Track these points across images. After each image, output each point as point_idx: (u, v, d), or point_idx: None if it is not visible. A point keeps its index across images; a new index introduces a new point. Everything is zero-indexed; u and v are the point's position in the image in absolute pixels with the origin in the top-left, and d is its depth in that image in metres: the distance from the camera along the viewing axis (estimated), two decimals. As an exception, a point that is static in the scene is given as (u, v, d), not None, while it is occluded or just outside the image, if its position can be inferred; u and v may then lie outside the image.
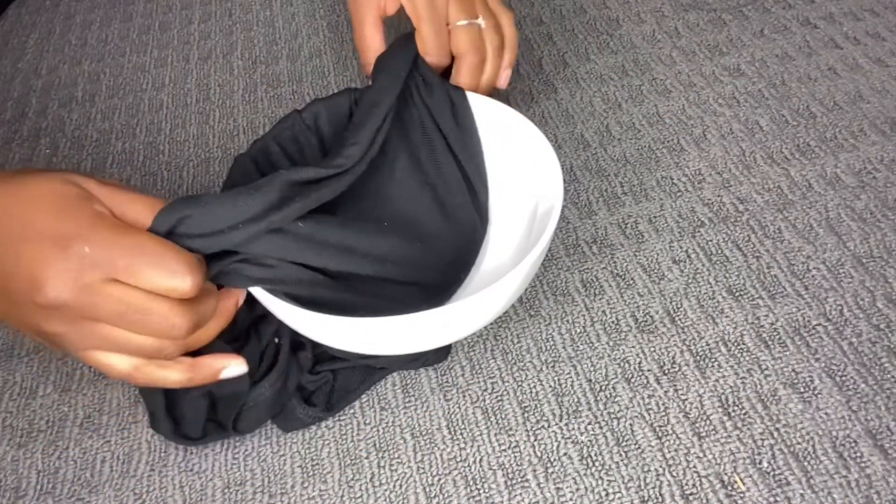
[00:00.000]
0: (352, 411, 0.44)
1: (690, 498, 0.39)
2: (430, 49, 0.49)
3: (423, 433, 0.43)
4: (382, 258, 0.43)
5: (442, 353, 0.45)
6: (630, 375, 0.44)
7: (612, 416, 0.42)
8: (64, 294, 0.33)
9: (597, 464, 0.40)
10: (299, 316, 0.39)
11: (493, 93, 0.53)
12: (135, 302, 0.34)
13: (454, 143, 0.48)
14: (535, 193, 0.46)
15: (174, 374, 0.38)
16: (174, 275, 0.34)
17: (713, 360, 0.44)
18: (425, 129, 0.48)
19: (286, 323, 0.41)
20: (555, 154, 0.45)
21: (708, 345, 0.45)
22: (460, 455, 0.41)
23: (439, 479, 0.41)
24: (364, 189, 0.47)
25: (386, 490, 0.40)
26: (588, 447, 0.41)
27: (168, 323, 0.35)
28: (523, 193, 0.48)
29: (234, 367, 0.40)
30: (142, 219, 0.36)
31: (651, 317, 0.46)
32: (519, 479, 0.40)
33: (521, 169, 0.48)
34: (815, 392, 0.42)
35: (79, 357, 0.37)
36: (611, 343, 0.45)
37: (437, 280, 0.46)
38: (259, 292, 0.39)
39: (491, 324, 0.47)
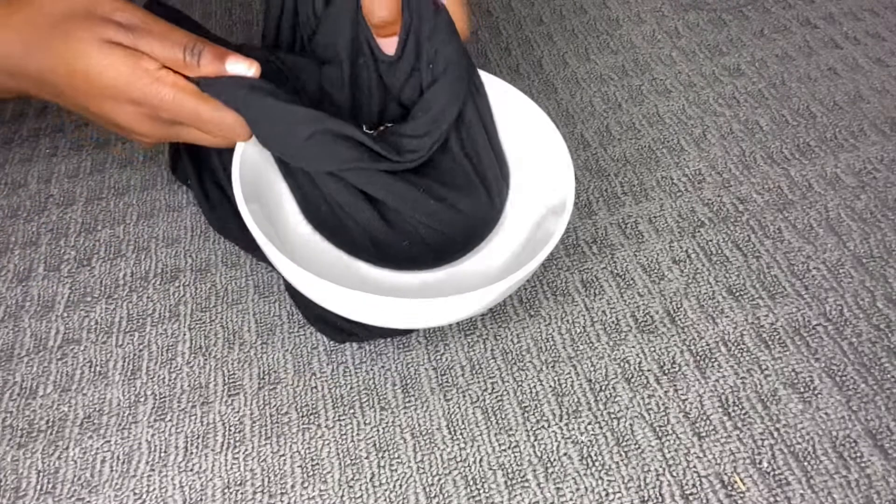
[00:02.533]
0: (352, 411, 0.44)
1: (690, 498, 0.39)
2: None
3: (423, 433, 0.43)
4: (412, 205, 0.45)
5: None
6: (630, 375, 0.44)
7: (612, 416, 0.42)
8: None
9: (597, 464, 0.40)
10: (291, 270, 0.40)
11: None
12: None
13: (487, 119, 0.48)
14: (546, 192, 0.47)
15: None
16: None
17: (713, 360, 0.44)
18: (483, 126, 0.48)
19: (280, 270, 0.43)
20: (570, 161, 0.45)
21: (708, 345, 0.45)
22: (460, 455, 0.41)
23: (439, 479, 0.41)
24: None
25: (386, 490, 0.40)
26: (588, 447, 0.41)
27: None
28: (534, 189, 0.48)
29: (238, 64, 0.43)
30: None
31: (651, 317, 0.46)
32: (519, 479, 0.40)
33: (534, 162, 0.48)
34: (815, 392, 0.42)
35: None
36: (611, 343, 0.45)
37: (449, 245, 0.47)
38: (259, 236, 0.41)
39: (491, 324, 0.47)
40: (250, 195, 0.43)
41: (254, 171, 0.46)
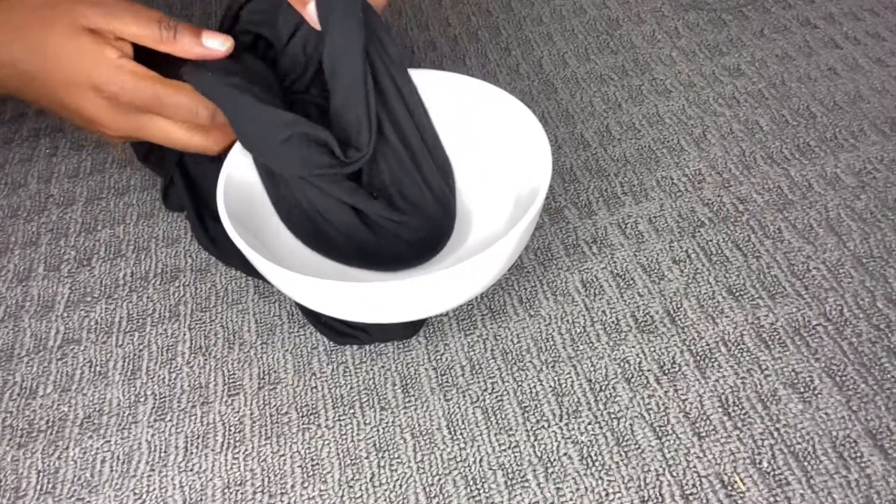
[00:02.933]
0: (352, 411, 0.44)
1: (690, 498, 0.39)
2: None
3: (423, 433, 0.43)
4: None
5: (409, 330, 0.46)
6: (630, 375, 0.44)
7: (612, 416, 0.42)
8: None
9: (597, 464, 0.40)
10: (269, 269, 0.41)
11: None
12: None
13: (418, 111, 0.48)
14: (522, 173, 0.48)
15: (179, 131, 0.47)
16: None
17: (713, 360, 0.44)
18: (401, 96, 0.47)
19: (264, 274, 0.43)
20: (545, 137, 0.45)
21: (708, 345, 0.45)
22: (460, 455, 0.41)
23: (439, 479, 0.41)
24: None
25: (386, 490, 0.40)
26: (588, 447, 0.41)
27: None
28: (510, 172, 0.49)
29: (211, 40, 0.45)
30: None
31: (651, 317, 0.46)
32: (519, 479, 0.40)
33: (508, 146, 0.49)
34: (815, 392, 0.42)
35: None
36: (611, 343, 0.45)
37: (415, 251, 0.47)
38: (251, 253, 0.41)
39: (491, 324, 0.47)
40: (237, 216, 0.44)
41: (241, 195, 0.46)
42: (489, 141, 0.51)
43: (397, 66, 0.47)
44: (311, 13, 0.44)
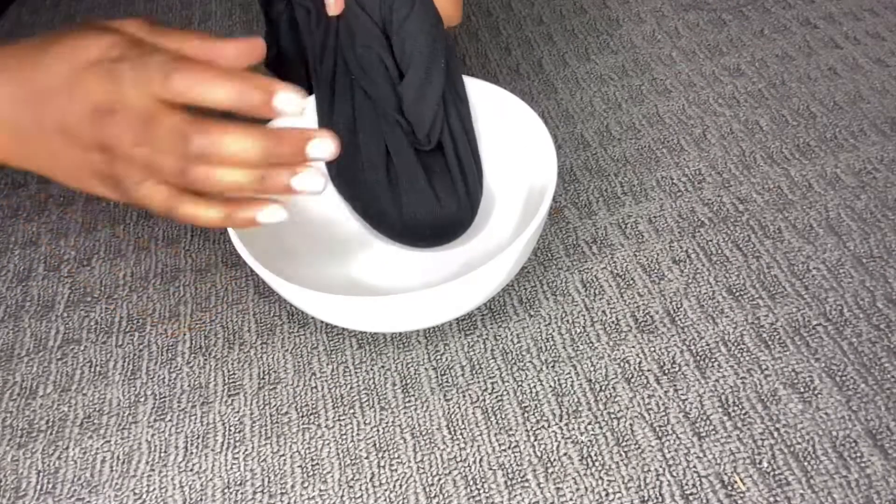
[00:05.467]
0: (352, 411, 0.44)
1: (690, 498, 0.39)
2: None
3: (423, 433, 0.43)
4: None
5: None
6: (630, 375, 0.44)
7: (612, 416, 0.42)
8: (122, 116, 0.33)
9: (597, 464, 0.40)
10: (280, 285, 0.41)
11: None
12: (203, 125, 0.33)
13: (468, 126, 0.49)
14: (527, 175, 0.48)
15: (209, 212, 0.36)
16: (242, 90, 0.33)
17: (713, 360, 0.44)
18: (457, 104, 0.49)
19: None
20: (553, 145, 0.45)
21: (708, 345, 0.45)
22: (460, 455, 0.41)
23: (439, 479, 0.41)
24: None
25: (386, 490, 0.40)
26: (588, 447, 0.41)
27: (241, 139, 0.33)
28: (515, 174, 0.49)
29: (267, 212, 0.37)
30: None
31: (651, 317, 0.46)
32: (519, 479, 0.40)
33: (512, 147, 0.49)
34: (815, 392, 0.42)
35: (128, 195, 0.36)
36: (611, 343, 0.45)
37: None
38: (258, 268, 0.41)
39: (491, 324, 0.47)
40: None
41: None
42: (493, 142, 0.51)
43: (464, 104, 0.49)
44: None
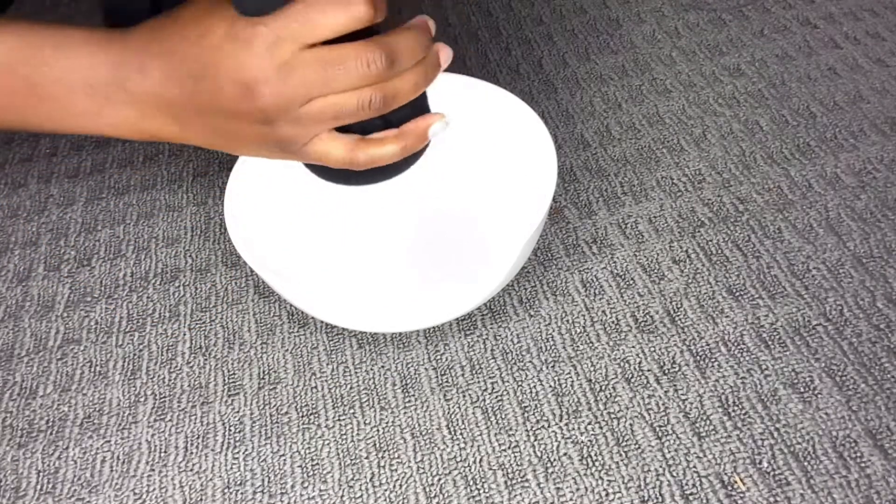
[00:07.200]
0: (352, 411, 0.44)
1: (690, 498, 0.39)
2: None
3: (423, 433, 0.43)
4: None
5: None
6: (630, 375, 0.44)
7: (612, 416, 0.42)
8: (272, 81, 0.34)
9: (597, 464, 0.40)
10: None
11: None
12: (328, 55, 0.34)
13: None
14: (527, 176, 0.48)
15: (388, 148, 0.38)
16: (346, 4, 0.34)
17: (713, 360, 0.44)
18: None
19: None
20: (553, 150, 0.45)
21: (708, 345, 0.45)
22: (460, 455, 0.41)
23: (439, 479, 0.41)
24: None
25: (386, 490, 0.40)
26: (588, 447, 0.41)
27: (364, 60, 0.35)
28: (514, 175, 0.49)
29: (438, 124, 0.39)
30: None
31: (651, 317, 0.46)
32: (519, 479, 0.40)
33: (512, 148, 0.49)
34: (815, 392, 0.42)
35: (301, 155, 0.37)
36: (611, 343, 0.45)
37: None
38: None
39: (491, 324, 0.47)
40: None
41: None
42: (493, 142, 0.51)
43: None
44: None
